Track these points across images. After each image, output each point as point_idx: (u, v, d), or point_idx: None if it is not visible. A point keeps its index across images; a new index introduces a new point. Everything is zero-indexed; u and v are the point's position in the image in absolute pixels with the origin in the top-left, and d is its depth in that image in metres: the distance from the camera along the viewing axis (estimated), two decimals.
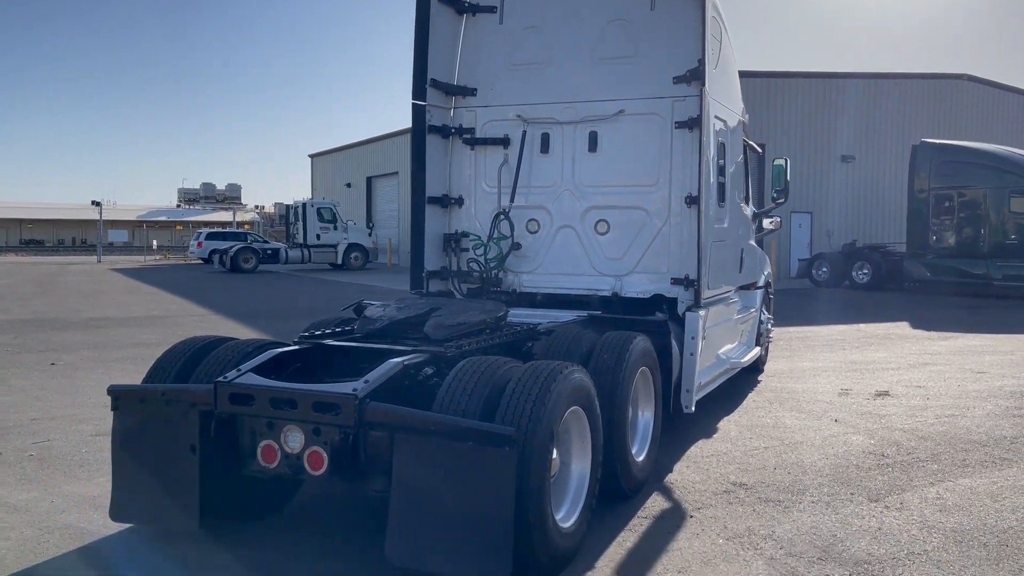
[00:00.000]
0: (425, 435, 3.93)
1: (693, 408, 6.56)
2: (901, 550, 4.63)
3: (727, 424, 7.51)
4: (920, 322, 16.03)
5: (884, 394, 8.88)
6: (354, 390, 4.10)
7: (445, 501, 3.90)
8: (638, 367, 5.48)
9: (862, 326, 15.08)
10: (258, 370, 4.54)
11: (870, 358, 11.23)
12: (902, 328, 15.03)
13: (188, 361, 4.94)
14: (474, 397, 4.13)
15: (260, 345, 5.02)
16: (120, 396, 4.67)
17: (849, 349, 12.05)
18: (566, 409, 4.31)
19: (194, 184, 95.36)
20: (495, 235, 7.62)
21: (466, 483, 3.86)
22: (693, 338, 6.58)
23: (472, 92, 7.72)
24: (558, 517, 4.27)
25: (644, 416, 5.75)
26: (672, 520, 5.08)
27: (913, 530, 4.93)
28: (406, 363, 4.51)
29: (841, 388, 9.15)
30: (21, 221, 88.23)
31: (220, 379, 4.39)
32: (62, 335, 13.80)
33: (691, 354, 6.58)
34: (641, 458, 5.56)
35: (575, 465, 4.61)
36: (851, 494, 5.60)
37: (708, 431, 7.24)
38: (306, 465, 4.25)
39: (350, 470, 4.20)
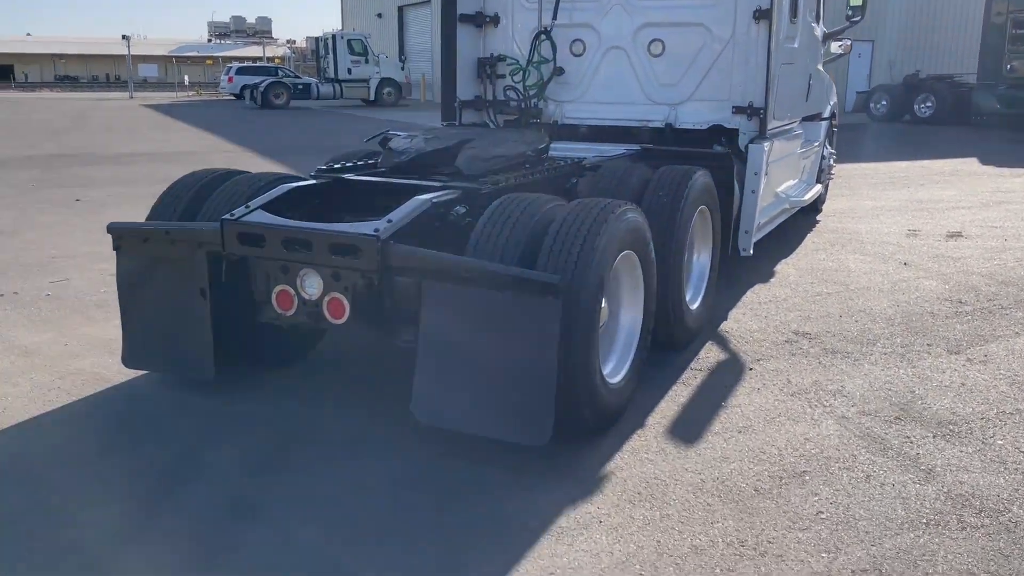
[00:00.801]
0: (457, 283, 3.44)
1: (751, 251, 5.99)
2: (990, 408, 4.15)
3: (785, 268, 6.95)
4: (991, 157, 14.97)
5: (956, 235, 8.20)
6: (376, 231, 3.59)
7: (479, 356, 3.45)
8: (697, 206, 4.87)
9: (926, 162, 14.11)
10: (270, 207, 4.03)
11: (938, 196, 10.43)
12: (971, 164, 14.03)
13: (195, 196, 4.45)
14: (513, 240, 3.60)
15: (273, 179, 4.49)
16: (122, 235, 4.23)
17: (914, 187, 11.23)
18: (618, 254, 3.77)
19: (223, 17, 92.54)
20: (535, 58, 6.83)
21: (504, 337, 3.40)
22: (756, 174, 5.91)
23: None
24: (605, 372, 3.83)
25: (700, 260, 5.20)
26: (730, 373, 4.64)
27: (1002, 386, 4.44)
28: (435, 200, 3.96)
29: (908, 229, 8.47)
30: (54, 57, 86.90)
31: (227, 216, 3.89)
32: (90, 170, 13.43)
33: (752, 191, 5.94)
34: (696, 306, 5.06)
35: (625, 314, 4.13)
36: (927, 345, 5.09)
37: (765, 275, 6.70)
38: (326, 313, 3.81)
39: (375, 319, 3.76)
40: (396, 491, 3.37)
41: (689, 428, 3.94)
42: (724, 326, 5.42)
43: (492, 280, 3.36)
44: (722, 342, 5.13)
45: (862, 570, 2.86)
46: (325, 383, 4.46)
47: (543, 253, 3.56)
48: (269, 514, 3.20)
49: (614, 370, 3.97)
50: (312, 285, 3.83)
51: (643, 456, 3.66)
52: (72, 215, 9.23)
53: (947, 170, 13.12)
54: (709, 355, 4.90)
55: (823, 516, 3.20)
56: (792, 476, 3.50)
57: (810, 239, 8.01)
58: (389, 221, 3.67)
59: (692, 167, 4.95)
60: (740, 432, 3.90)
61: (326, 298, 3.79)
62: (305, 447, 3.76)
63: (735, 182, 5.71)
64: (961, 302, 5.97)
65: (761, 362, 4.80)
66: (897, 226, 8.59)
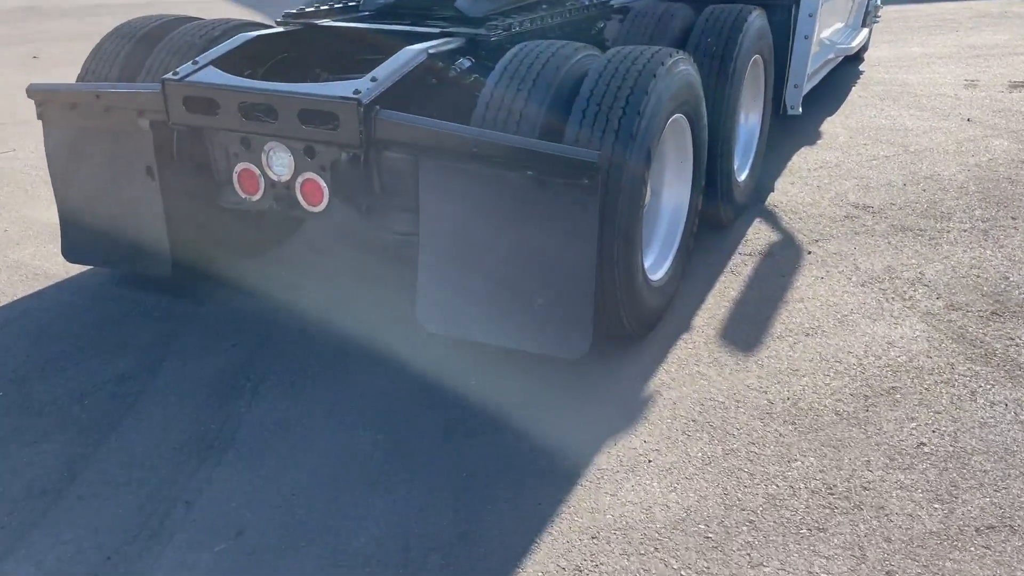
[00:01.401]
0: (464, 161, 2.67)
1: (800, 108, 5.14)
2: None
3: (832, 127, 6.10)
4: None
5: (1020, 86, 7.27)
6: (356, 92, 2.79)
7: (497, 252, 2.74)
8: (751, 55, 4.02)
9: (973, 3, 12.84)
10: (225, 63, 3.19)
11: (992, 41, 9.37)
12: (1021, 5, 12.76)
13: (135, 50, 3.60)
14: (534, 102, 2.81)
15: (230, 27, 3.63)
16: (45, 101, 3.42)
17: (963, 31, 10.11)
18: (668, 119, 2.98)
19: None
20: None
21: (528, 228, 2.68)
22: (811, 15, 4.98)
23: None
24: (647, 266, 3.12)
25: (750, 121, 4.38)
26: (785, 258, 3.92)
27: None
28: (431, 52, 3.12)
29: (965, 79, 7.52)
30: None
31: (169, 76, 3.07)
32: (51, 24, 12.24)
33: (805, 37, 5.02)
34: (743, 176, 4.29)
35: (669, 194, 3.38)
36: (1012, 219, 4.35)
37: (810, 136, 5.86)
38: (300, 197, 3.07)
39: (361, 205, 3.02)
40: (389, 425, 2.73)
41: (745, 331, 3.27)
42: (772, 199, 4.66)
43: (509, 158, 2.60)
44: (772, 219, 4.38)
45: (988, 527, 2.25)
46: (305, 275, 3.75)
47: (574, 120, 2.78)
48: (238, 453, 2.57)
49: (655, 263, 3.26)
50: (280, 163, 3.06)
51: (694, 370, 3.00)
52: (27, 74, 8.26)
53: (996, 11, 11.90)
54: (759, 236, 4.17)
55: (926, 450, 2.57)
56: (879, 394, 2.85)
57: (856, 93, 7.10)
58: (373, 80, 2.86)
59: (745, 6, 4.05)
60: (807, 335, 3.23)
61: (299, 179, 3.03)
62: (280, 366, 3.10)
63: (791, 25, 4.80)
64: None
65: (820, 243, 4.08)
66: (952, 76, 7.64)
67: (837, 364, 3.03)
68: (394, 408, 2.80)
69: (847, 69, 7.85)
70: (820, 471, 2.47)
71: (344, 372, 3.01)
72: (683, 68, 3.03)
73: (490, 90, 2.92)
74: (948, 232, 4.19)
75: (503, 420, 2.72)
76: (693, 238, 3.54)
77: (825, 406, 2.79)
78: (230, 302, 3.51)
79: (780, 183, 4.92)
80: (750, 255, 3.96)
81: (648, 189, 2.99)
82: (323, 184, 3.00)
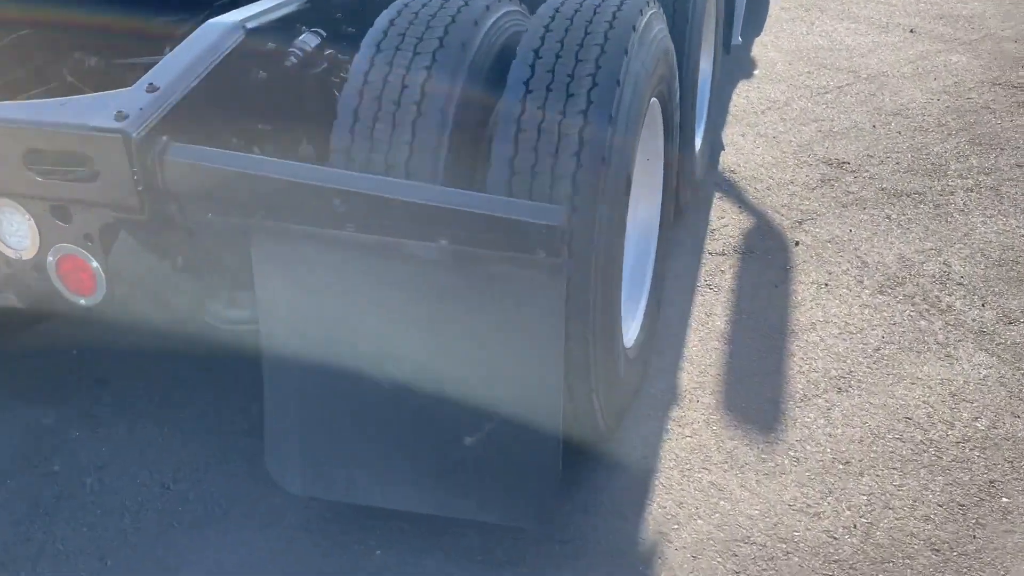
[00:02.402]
0: (325, 228, 1.55)
1: (740, 36, 4.14)
2: None
3: (764, 51, 5.14)
4: None
5: None
6: (120, 116, 1.59)
7: (393, 368, 1.65)
8: None
9: None
10: None
11: None
12: None
13: None
14: (432, 101, 1.71)
15: None
16: None
17: None
18: (647, 109, 1.91)
19: None
20: None
21: (446, 331, 1.60)
22: None
23: None
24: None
25: (703, 74, 3.33)
26: (769, 256, 2.98)
27: None
28: (250, 26, 1.90)
29: None
30: None
31: None
32: None
33: None
34: (699, 144, 3.28)
35: (633, 215, 2.32)
36: (1018, 166, 3.54)
37: (742, 64, 4.88)
38: (59, 285, 1.86)
39: (158, 291, 1.85)
40: None
41: (754, 392, 2.32)
42: (726, 161, 3.68)
43: (406, 219, 1.50)
44: (735, 194, 3.41)
45: None
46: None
47: (503, 134, 1.68)
48: None
49: (627, 314, 2.23)
50: (16, 232, 1.84)
51: (704, 480, 2.03)
52: None
53: None
54: (726, 222, 3.20)
55: None
56: (979, 500, 1.97)
57: (773, 4, 6.15)
58: (152, 89, 1.67)
59: None
60: (839, 391, 2.31)
61: (51, 257, 1.82)
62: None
63: None
64: (1015, 85, 4.39)
65: (805, 226, 3.15)
66: None
67: (899, 444, 2.12)
68: None
69: None
70: None
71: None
72: (658, 28, 1.95)
73: (360, 78, 1.78)
74: (952, 194, 3.34)
75: None
76: (665, 277, 2.53)
77: (913, 535, 1.88)
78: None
79: (728, 135, 3.94)
80: (723, 255, 2.99)
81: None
82: (92, 263, 1.80)
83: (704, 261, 2.95)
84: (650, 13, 1.89)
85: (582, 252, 1.62)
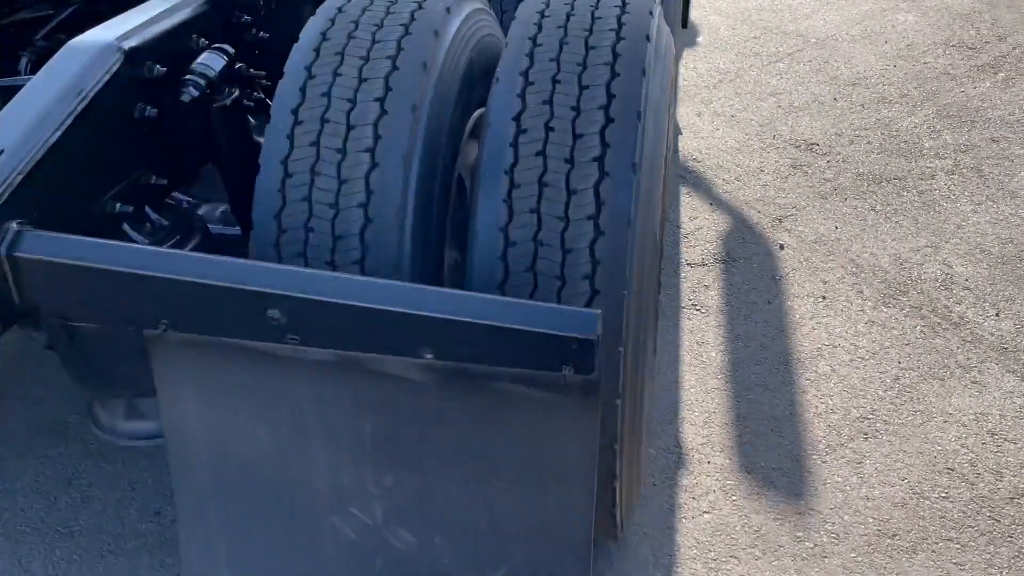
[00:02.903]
0: (250, 339, 1.11)
1: None
2: None
3: (703, 13, 4.76)
4: None
5: None
6: None
7: (357, 503, 1.24)
8: None
9: None
10: None
11: None
12: None
13: None
14: (391, 164, 1.28)
15: None
16: None
17: None
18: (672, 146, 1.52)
19: None
20: None
21: (425, 466, 1.19)
22: None
23: None
24: None
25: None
26: (754, 265, 2.65)
27: None
28: (127, 46, 1.40)
29: None
30: None
31: None
32: None
33: None
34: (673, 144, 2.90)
35: None
36: (993, 141, 3.30)
37: (684, 33, 4.51)
38: None
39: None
40: None
41: (772, 444, 1.99)
42: (685, 146, 3.33)
43: (362, 326, 1.08)
44: (703, 188, 3.06)
45: None
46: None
47: (490, 191, 1.27)
48: None
49: None
50: None
51: (735, 573, 1.70)
52: None
53: None
54: (699, 223, 2.85)
55: None
56: None
57: None
58: None
59: None
60: (865, 437, 2.01)
61: None
62: None
63: None
64: (970, 46, 4.16)
65: (786, 224, 2.84)
66: None
67: (948, 506, 1.84)
68: None
69: None
70: None
71: None
72: (666, 31, 1.55)
73: (287, 119, 1.33)
74: (933, 177, 3.08)
75: None
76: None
77: None
78: None
79: (683, 115, 3.58)
80: (704, 265, 2.64)
81: None
82: None
83: (684, 275, 2.60)
84: (659, 12, 1.48)
85: (610, 349, 1.23)
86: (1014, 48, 4.09)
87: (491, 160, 1.27)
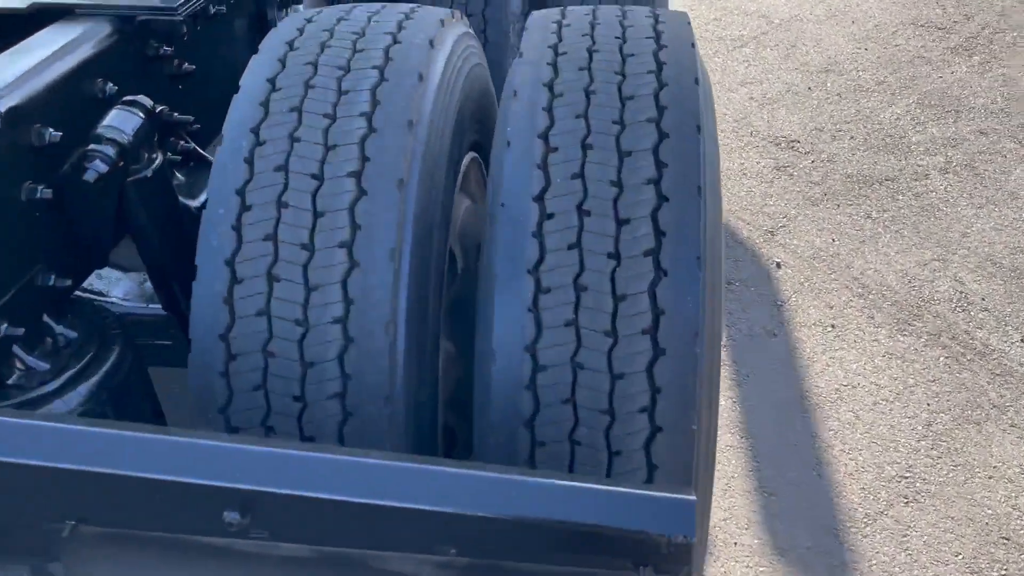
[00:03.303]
0: (213, 554, 0.77)
1: None
2: None
3: None
4: None
5: None
6: None
7: None
8: None
9: None
10: None
11: None
12: None
13: None
14: (376, 252, 0.95)
15: None
16: None
17: None
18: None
19: None
20: None
21: None
22: None
23: None
24: None
25: None
26: (751, 287, 2.40)
27: None
28: (1, 108, 1.02)
29: None
30: None
31: None
32: None
33: None
34: None
35: None
36: (981, 133, 3.11)
37: None
38: None
39: None
40: None
41: (797, 517, 1.74)
42: None
43: (359, 530, 0.76)
44: None
45: None
46: None
47: (509, 297, 0.95)
48: None
49: None
50: None
51: None
52: None
53: None
54: None
55: None
56: None
57: None
58: None
59: None
60: (906, 502, 1.78)
61: None
62: None
63: None
64: (939, 27, 3.97)
65: (779, 237, 2.59)
66: None
67: None
68: None
69: None
70: None
71: None
72: (701, 63, 1.24)
73: (231, 200, 0.99)
74: (926, 177, 2.86)
75: None
76: None
77: None
78: None
79: None
80: None
81: None
82: None
83: None
84: (695, 40, 1.18)
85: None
86: (983, 28, 3.91)
87: (509, 253, 0.95)
